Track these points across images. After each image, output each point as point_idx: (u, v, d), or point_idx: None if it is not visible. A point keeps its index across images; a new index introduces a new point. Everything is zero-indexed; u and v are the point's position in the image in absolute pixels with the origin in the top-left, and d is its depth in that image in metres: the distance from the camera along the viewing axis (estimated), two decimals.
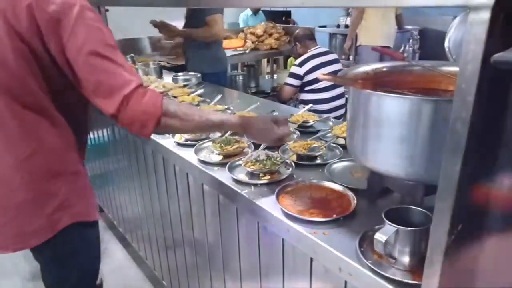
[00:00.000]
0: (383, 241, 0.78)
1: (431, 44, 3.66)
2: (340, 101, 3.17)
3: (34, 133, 1.07)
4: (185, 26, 2.88)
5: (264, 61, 5.22)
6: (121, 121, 1.01)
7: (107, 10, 2.89)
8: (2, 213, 1.11)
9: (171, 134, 1.62)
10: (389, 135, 0.83)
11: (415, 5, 0.57)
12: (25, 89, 1.02)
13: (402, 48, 3.78)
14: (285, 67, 5.32)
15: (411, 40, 3.86)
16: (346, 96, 3.22)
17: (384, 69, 1.06)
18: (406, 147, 0.82)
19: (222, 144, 1.43)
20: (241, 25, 5.46)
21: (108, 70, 0.98)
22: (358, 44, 3.94)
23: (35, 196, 1.11)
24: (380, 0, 0.63)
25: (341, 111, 3.22)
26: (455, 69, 1.00)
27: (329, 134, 1.52)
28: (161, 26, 2.69)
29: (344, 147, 1.38)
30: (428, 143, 0.79)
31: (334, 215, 0.99)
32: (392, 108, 0.80)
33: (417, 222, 0.83)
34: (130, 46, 3.66)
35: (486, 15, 0.50)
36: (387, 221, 0.80)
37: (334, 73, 3.11)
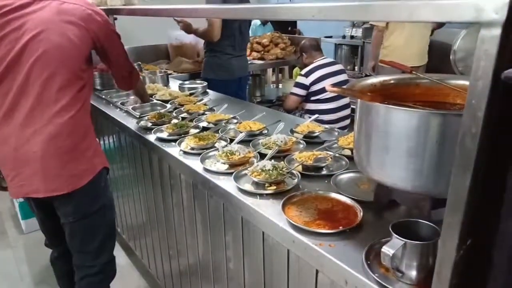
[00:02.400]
0: (390, 255, 0.77)
1: (437, 56, 3.65)
2: (346, 112, 3.17)
3: (81, 98, 1.49)
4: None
5: (270, 70, 5.24)
6: (129, 85, 1.91)
7: (115, 19, 2.94)
8: (59, 161, 1.43)
9: (177, 142, 1.63)
10: (397, 148, 0.83)
11: (426, 20, 0.57)
12: (81, 65, 1.47)
13: None
14: (290, 76, 5.34)
15: None
16: (352, 106, 3.22)
17: (392, 81, 1.06)
18: (414, 160, 0.81)
19: (228, 153, 1.43)
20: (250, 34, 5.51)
21: (126, 55, 1.78)
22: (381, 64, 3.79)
23: (78, 144, 1.48)
24: (391, 15, 0.64)
25: (347, 122, 3.22)
26: (462, 82, 1.00)
27: (335, 145, 1.52)
28: (181, 21, 2.94)
29: (350, 158, 1.38)
30: (436, 157, 0.79)
31: (341, 227, 0.99)
32: (400, 121, 0.81)
33: (425, 236, 0.82)
34: (137, 54, 3.69)
35: (497, 32, 0.51)
36: (394, 235, 0.79)
37: (340, 83, 3.12)
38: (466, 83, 0.98)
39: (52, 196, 1.46)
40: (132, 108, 2.13)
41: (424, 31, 3.59)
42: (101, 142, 2.49)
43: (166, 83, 2.80)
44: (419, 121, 0.78)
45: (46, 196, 1.45)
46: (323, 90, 3.06)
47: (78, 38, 1.43)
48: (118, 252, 2.56)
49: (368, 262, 0.86)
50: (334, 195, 1.14)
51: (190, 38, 3.83)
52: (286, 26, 5.95)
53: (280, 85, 4.95)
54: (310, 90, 3.10)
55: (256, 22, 5.69)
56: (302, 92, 3.13)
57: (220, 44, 2.94)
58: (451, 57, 3.63)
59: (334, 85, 2.86)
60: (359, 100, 0.93)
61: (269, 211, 1.12)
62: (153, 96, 2.39)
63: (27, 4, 1.39)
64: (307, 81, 3.09)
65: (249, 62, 4.19)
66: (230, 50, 2.98)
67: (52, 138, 1.41)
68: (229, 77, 2.99)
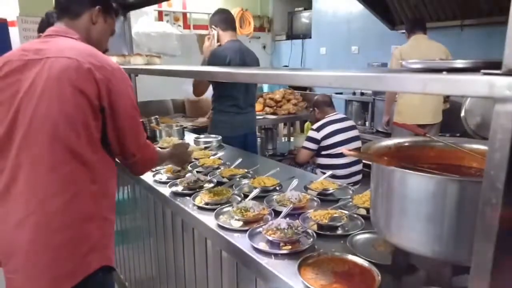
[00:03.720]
0: None
1: (449, 114, 3.70)
2: (357, 167, 3.17)
3: (79, 179, 1.23)
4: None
5: (281, 124, 5.35)
6: (135, 160, 1.42)
7: (136, 75, 3.09)
8: (42, 256, 1.19)
9: (191, 197, 1.64)
10: (415, 212, 0.83)
11: (439, 93, 0.60)
12: (78, 140, 1.21)
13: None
14: (302, 131, 5.41)
15: None
16: (364, 161, 3.23)
17: (406, 144, 1.08)
18: (433, 226, 0.81)
19: (242, 210, 1.43)
20: (265, 90, 5.70)
21: (138, 120, 1.40)
22: (394, 120, 3.79)
23: (72, 238, 1.22)
24: (404, 86, 0.67)
25: (359, 177, 3.21)
26: (477, 146, 1.02)
27: (350, 204, 1.51)
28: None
29: (365, 217, 1.37)
30: (456, 223, 0.78)
31: None
32: (417, 186, 0.81)
33: None
34: (155, 108, 3.83)
35: (510, 107, 0.53)
36: None
37: (352, 139, 3.16)
38: (481, 147, 1.00)
39: None
40: None
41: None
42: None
43: (182, 137, 2.87)
44: (437, 186, 0.78)
45: None
46: (334, 145, 3.10)
47: (69, 105, 1.19)
48: None
49: None
50: (351, 257, 1.12)
51: (206, 94, 3.98)
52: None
53: (292, 139, 5.01)
54: (321, 145, 3.14)
55: None
56: (313, 146, 3.17)
57: (223, 103, 2.94)
58: (461, 115, 3.67)
59: (348, 144, 2.88)
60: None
61: (285, 272, 1.09)
62: None
63: (23, 65, 1.23)
64: (318, 135, 3.14)
65: (262, 117, 4.30)
66: (234, 109, 2.95)
67: (40, 230, 1.19)
68: (231, 134, 2.90)
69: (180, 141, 2.60)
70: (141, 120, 1.50)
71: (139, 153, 1.41)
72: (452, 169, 1.01)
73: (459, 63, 0.59)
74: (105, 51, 1.51)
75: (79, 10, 1.38)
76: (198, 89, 2.97)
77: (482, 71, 0.53)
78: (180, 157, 1.86)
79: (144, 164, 1.49)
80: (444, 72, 0.59)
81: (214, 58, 2.78)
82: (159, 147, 2.46)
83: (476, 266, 0.60)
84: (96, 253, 1.26)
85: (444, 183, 0.77)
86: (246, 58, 2.90)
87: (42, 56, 1.23)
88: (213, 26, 2.91)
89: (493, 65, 0.55)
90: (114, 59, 2.06)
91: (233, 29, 2.95)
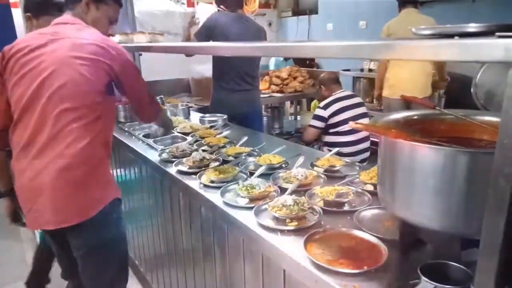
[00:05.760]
0: None
1: (457, 89, 3.62)
2: (365, 144, 3.14)
3: (93, 129, 1.49)
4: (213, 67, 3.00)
5: (288, 103, 5.30)
6: (152, 113, 1.91)
7: (140, 54, 3.05)
8: (68, 192, 1.44)
9: (197, 175, 1.64)
10: (423, 186, 0.81)
11: (452, 59, 0.57)
12: (91, 100, 1.49)
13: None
14: (309, 109, 5.37)
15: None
16: (372, 139, 3.20)
17: (415, 117, 1.05)
18: (442, 199, 0.79)
19: (248, 187, 1.43)
20: (271, 68, 5.63)
21: (147, 90, 1.79)
22: (383, 95, 3.80)
23: (90, 176, 1.48)
24: (415, 54, 0.64)
25: (367, 154, 3.18)
26: (489, 118, 0.99)
27: (357, 180, 1.50)
28: None
29: (372, 193, 1.35)
30: (465, 196, 0.77)
31: (365, 267, 0.95)
32: (426, 159, 0.79)
33: (456, 279, 0.78)
34: (160, 87, 3.81)
35: None
36: (424, 278, 0.76)
37: (359, 116, 3.12)
38: (493, 119, 0.97)
39: (62, 228, 1.46)
40: (154, 141, 2.17)
41: (427, 63, 3.57)
42: (123, 173, 2.53)
43: (188, 116, 2.86)
44: (447, 159, 0.76)
45: (56, 228, 1.46)
46: (342, 123, 3.06)
47: (90, 73, 1.46)
48: (135, 285, 2.54)
49: None
50: (357, 232, 1.11)
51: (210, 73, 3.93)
52: (304, 60, 6.05)
53: (299, 117, 4.98)
54: (328, 123, 3.10)
55: (279, 57, 5.82)
56: (320, 124, 3.13)
57: (222, 80, 2.87)
58: (472, 90, 3.59)
59: (356, 121, 2.86)
60: (382, 136, 0.92)
61: (291, 248, 1.09)
62: (174, 129, 2.43)
63: (44, 44, 1.47)
64: (325, 113, 3.10)
65: (268, 95, 4.24)
66: (233, 86, 2.87)
67: (63, 170, 1.42)
68: (230, 113, 2.78)
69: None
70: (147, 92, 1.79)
71: (153, 118, 1.97)
72: (462, 142, 0.98)
73: (472, 27, 0.56)
74: (108, 36, 1.67)
75: (72, 2, 1.61)
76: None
77: (497, 33, 0.50)
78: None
79: (150, 115, 1.92)
80: (456, 37, 0.56)
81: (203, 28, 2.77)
82: None
83: (486, 239, 0.59)
84: (110, 188, 1.57)
85: (453, 155, 0.75)
86: (248, 29, 2.82)
87: (61, 36, 1.49)
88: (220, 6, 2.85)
89: (509, 28, 0.52)
90: (117, 38, 2.03)
91: (239, 5, 2.88)
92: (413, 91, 3.42)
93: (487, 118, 0.97)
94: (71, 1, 1.63)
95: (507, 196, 0.55)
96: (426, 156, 0.79)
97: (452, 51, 0.57)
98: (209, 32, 2.76)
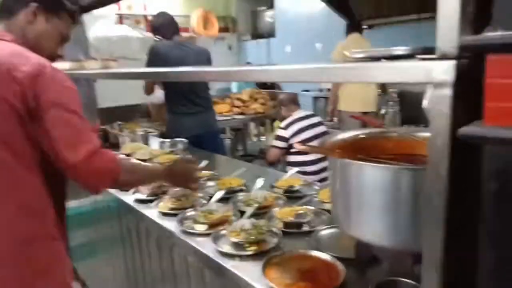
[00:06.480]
0: None
1: (411, 106, 3.79)
2: (327, 162, 3.19)
3: (21, 189, 1.10)
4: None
5: (252, 124, 5.33)
6: (79, 173, 1.11)
7: (94, 81, 2.99)
8: None
9: (156, 203, 1.59)
10: (370, 204, 0.83)
11: (383, 81, 0.59)
12: (15, 144, 1.08)
13: (384, 111, 3.87)
14: (272, 130, 5.42)
15: (391, 103, 4.00)
16: None
17: (362, 136, 1.08)
18: (388, 217, 0.81)
19: (206, 213, 1.40)
20: (233, 90, 5.67)
21: (76, 125, 1.11)
22: (338, 109, 4.01)
23: (17, 265, 1.10)
24: (349, 76, 0.66)
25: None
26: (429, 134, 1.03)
27: (316, 199, 1.51)
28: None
29: (331, 212, 1.36)
30: (410, 212, 0.78)
31: None
32: (369, 177, 0.81)
33: None
34: (118, 114, 3.71)
35: (448, 92, 0.53)
36: None
37: (320, 135, 3.18)
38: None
39: None
40: None
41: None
42: (76, 205, 2.41)
43: (146, 142, 2.79)
44: (387, 176, 0.78)
45: None
46: (303, 142, 3.10)
47: None
48: None
49: None
50: (314, 253, 1.11)
51: None
52: (265, 82, 6.16)
53: (263, 138, 5.01)
54: (290, 142, 3.14)
55: None
56: (282, 144, 3.16)
57: (173, 103, 2.94)
58: (423, 105, 3.78)
59: (315, 140, 2.86)
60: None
61: (251, 274, 1.07)
62: (132, 155, 2.37)
63: None
64: (286, 133, 3.13)
65: (230, 118, 4.26)
66: (184, 109, 2.91)
67: None
68: (184, 135, 2.73)
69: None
70: (99, 127, 1.41)
71: (81, 163, 1.09)
72: (408, 159, 1.01)
73: (396, 50, 0.59)
74: (57, 57, 1.36)
75: (13, 8, 1.21)
76: (148, 89, 3.03)
77: (418, 56, 0.53)
78: (178, 175, 1.49)
79: (94, 175, 1.14)
80: (383, 60, 0.59)
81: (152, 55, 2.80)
82: (123, 154, 2.39)
83: (427, 251, 0.60)
84: (45, 279, 1.14)
85: (394, 173, 0.77)
86: (187, 53, 2.88)
87: None
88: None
89: (429, 51, 0.55)
90: (67, 65, 1.97)
91: (175, 33, 2.93)
92: (366, 105, 3.73)
93: (428, 134, 1.01)
94: (12, 3, 1.22)
95: (441, 211, 0.56)
96: (367, 174, 0.81)
97: (381, 74, 0.60)
98: (150, 64, 2.81)
